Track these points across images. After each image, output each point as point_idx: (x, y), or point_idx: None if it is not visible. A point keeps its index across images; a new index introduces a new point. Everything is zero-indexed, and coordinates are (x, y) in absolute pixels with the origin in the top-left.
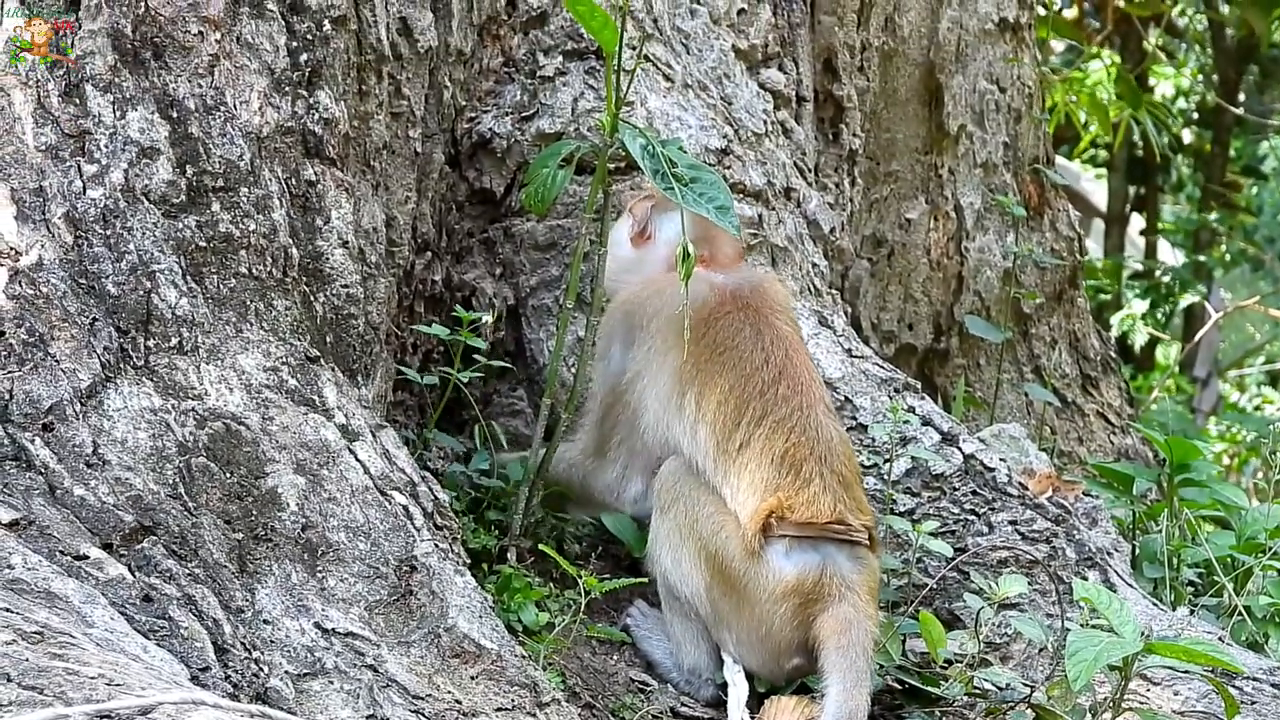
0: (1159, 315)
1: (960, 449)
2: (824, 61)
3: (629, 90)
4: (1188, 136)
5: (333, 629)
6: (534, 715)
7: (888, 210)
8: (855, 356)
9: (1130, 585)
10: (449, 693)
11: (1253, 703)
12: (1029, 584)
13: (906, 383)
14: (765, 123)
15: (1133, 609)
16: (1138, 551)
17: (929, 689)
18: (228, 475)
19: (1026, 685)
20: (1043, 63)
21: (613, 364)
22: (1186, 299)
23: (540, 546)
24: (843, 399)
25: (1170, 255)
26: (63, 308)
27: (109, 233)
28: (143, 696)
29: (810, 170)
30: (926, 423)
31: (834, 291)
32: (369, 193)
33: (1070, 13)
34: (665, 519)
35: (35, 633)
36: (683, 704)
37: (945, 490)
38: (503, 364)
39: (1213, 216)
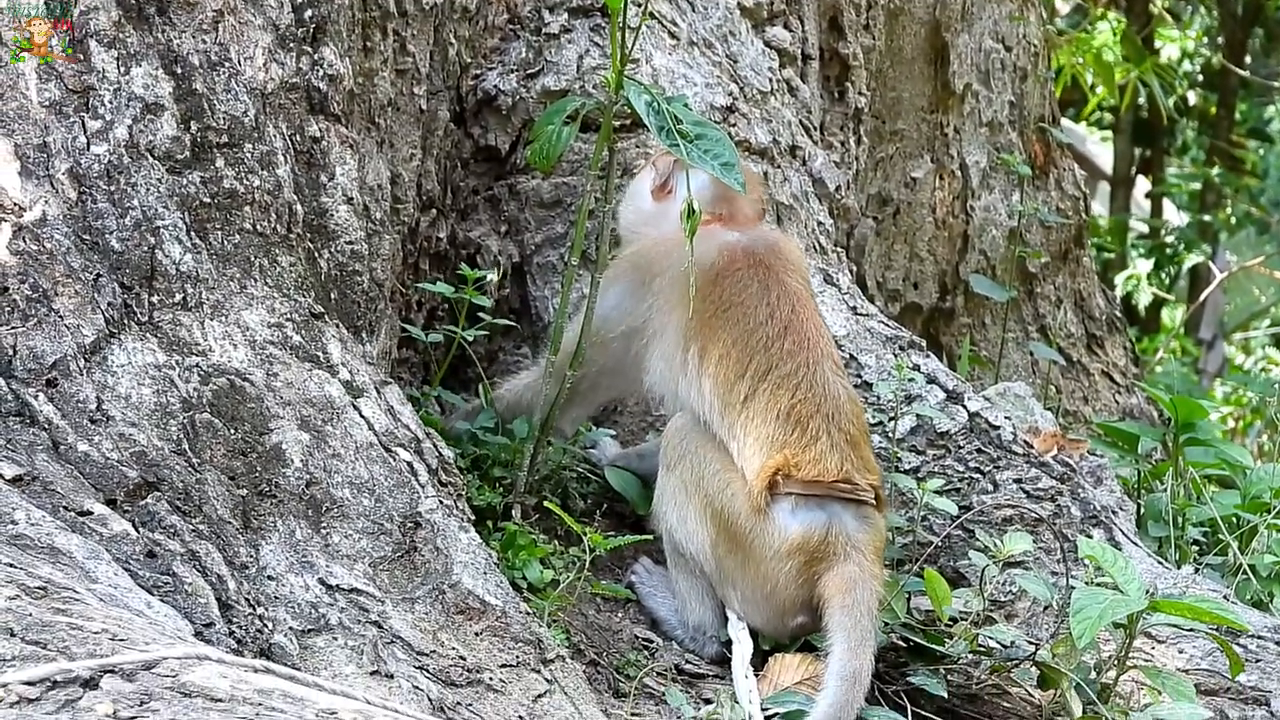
0: (1163, 276)
1: (965, 407)
2: (829, 19)
3: (634, 47)
4: (1193, 99)
5: (337, 585)
6: (538, 671)
7: (893, 169)
8: (860, 314)
9: (1135, 543)
10: (453, 649)
11: (1257, 660)
12: (1034, 542)
13: (912, 341)
14: (771, 80)
15: (1137, 567)
16: (1142, 510)
17: (934, 647)
18: (232, 431)
19: (1031, 643)
20: (1048, 22)
21: (606, 305)
22: (1191, 260)
23: (545, 503)
24: (848, 357)
25: (1176, 217)
26: (66, 264)
27: (113, 189)
28: (146, 651)
29: (815, 128)
30: (931, 381)
31: (839, 250)
32: (374, 149)
33: None
34: (671, 475)
35: (39, 588)
36: (687, 661)
37: (950, 448)
38: (507, 321)
39: (1215, 171)
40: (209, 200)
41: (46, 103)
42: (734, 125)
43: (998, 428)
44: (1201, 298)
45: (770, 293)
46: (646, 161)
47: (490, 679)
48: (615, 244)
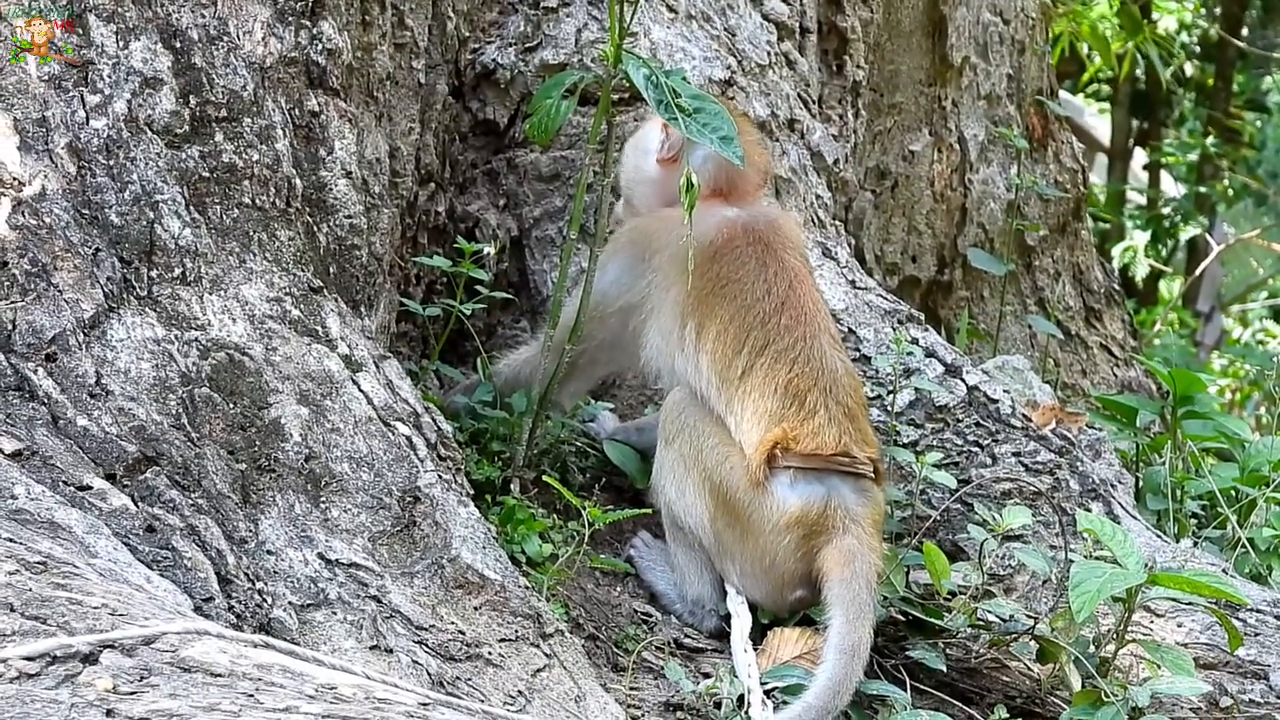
0: (1160, 248)
1: (964, 381)
2: None
3: (632, 21)
4: (1190, 70)
5: (336, 560)
6: (537, 646)
7: (891, 142)
8: (859, 288)
9: (1134, 517)
10: (452, 623)
11: (1256, 634)
12: (1032, 516)
13: (910, 314)
14: (769, 54)
15: (1136, 541)
16: (1141, 483)
17: (932, 621)
18: (231, 406)
19: (1030, 617)
20: None
21: (605, 280)
22: (1188, 232)
23: (544, 478)
24: (846, 330)
25: (1173, 189)
26: (66, 238)
27: (112, 163)
28: (146, 626)
29: (814, 102)
30: (930, 354)
31: (838, 223)
32: (372, 123)
33: None
34: (670, 450)
35: (38, 563)
36: (686, 635)
37: (949, 422)
38: (506, 295)
39: (1209, 140)
40: (208, 174)
41: (46, 77)
42: (732, 98)
43: (996, 401)
44: (1199, 270)
45: (768, 269)
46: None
47: (489, 653)
48: (613, 220)
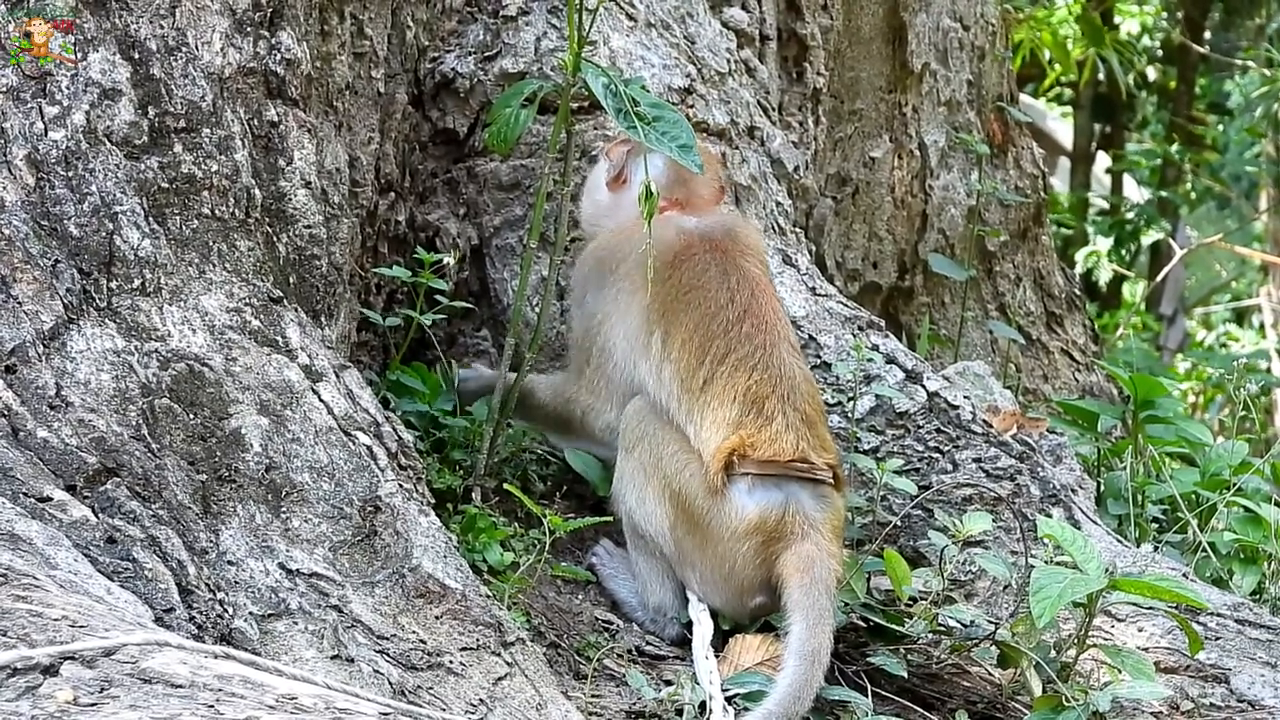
0: (1123, 253)
1: (924, 387)
2: (787, 0)
3: (591, 29)
4: (1152, 74)
5: (297, 570)
6: (499, 655)
7: (852, 148)
8: (819, 295)
9: (1094, 522)
10: (414, 633)
11: (1216, 638)
12: (993, 521)
13: (871, 321)
14: (729, 61)
15: (1097, 546)
16: (1102, 488)
17: (893, 627)
18: (191, 416)
19: (991, 622)
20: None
21: (585, 308)
22: (1151, 236)
23: (505, 486)
24: (807, 337)
25: (1136, 193)
26: (25, 249)
27: (71, 174)
28: (106, 638)
29: (774, 109)
30: (891, 360)
31: (798, 230)
32: (332, 133)
33: None
34: (630, 458)
35: None
36: (648, 643)
37: (909, 428)
38: (466, 305)
39: (1174, 148)
40: (167, 185)
41: (3, 89)
42: (692, 106)
43: (957, 407)
44: (1162, 274)
45: (729, 278)
46: (603, 149)
47: (451, 662)
48: (573, 227)
